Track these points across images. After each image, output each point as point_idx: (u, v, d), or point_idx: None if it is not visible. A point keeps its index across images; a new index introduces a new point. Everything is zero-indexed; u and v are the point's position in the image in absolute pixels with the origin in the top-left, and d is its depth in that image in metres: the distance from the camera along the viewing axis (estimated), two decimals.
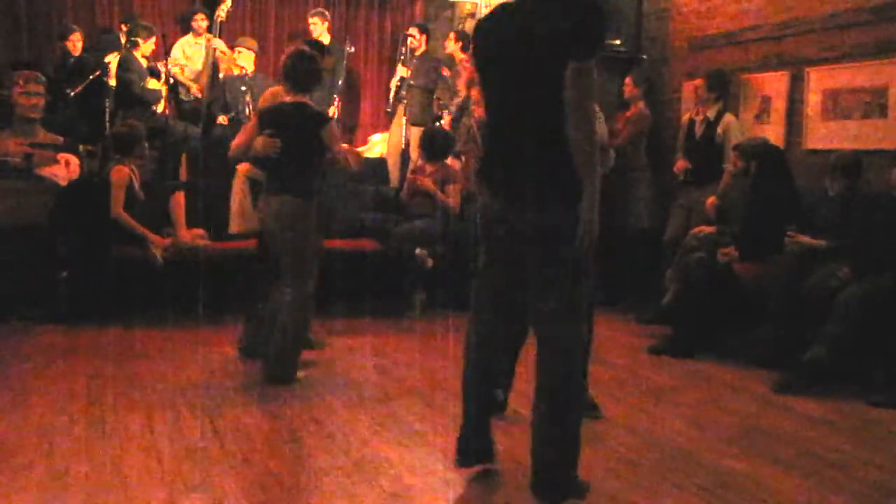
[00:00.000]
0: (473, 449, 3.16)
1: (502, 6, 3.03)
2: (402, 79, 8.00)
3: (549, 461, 2.89)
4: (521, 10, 2.83)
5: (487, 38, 2.98)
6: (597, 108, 4.11)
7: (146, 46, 7.33)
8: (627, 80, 6.59)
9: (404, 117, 7.89)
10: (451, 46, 8.06)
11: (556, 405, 2.85)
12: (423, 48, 8.11)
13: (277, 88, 4.82)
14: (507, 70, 2.83)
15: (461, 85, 8.09)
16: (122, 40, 7.57)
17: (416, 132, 7.55)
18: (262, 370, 4.43)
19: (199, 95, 7.74)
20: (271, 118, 4.38)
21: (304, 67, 4.33)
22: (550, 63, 2.68)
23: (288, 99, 4.40)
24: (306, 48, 4.50)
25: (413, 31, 8.21)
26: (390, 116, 8.24)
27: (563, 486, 2.91)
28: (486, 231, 3.00)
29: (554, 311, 2.82)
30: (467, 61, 8.04)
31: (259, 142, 4.35)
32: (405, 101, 7.89)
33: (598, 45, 2.73)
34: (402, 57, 8.13)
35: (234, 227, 5.23)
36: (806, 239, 4.94)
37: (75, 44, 7.29)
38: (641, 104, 6.59)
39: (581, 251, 2.72)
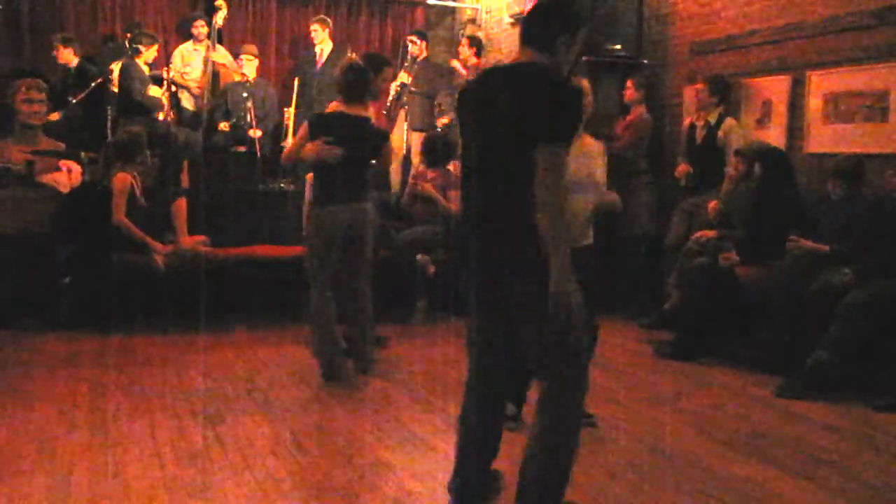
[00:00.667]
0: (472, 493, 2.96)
1: (492, 70, 3.04)
2: (402, 84, 8.01)
3: (535, 491, 2.76)
4: (507, 77, 2.76)
5: (470, 100, 2.93)
6: (598, 142, 4.03)
7: (149, 54, 7.36)
8: (629, 83, 6.60)
9: (405, 123, 7.91)
10: (465, 52, 8.10)
11: (553, 439, 2.74)
12: (423, 54, 8.15)
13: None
14: (483, 134, 2.79)
15: None
16: (126, 48, 7.59)
17: (416, 138, 7.57)
18: (322, 371, 4.57)
19: (200, 94, 7.76)
20: (327, 125, 4.49)
21: (356, 78, 4.50)
22: (524, 139, 2.60)
23: (344, 109, 4.53)
24: (358, 60, 4.70)
25: (413, 37, 8.25)
26: (390, 120, 8.26)
27: None
28: (466, 269, 2.92)
29: (548, 366, 2.71)
30: (479, 65, 8.08)
31: (311, 147, 4.44)
32: (406, 107, 7.91)
33: (571, 132, 2.65)
34: (405, 63, 8.17)
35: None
36: (809, 243, 4.93)
37: (62, 53, 7.27)
38: (642, 109, 6.59)
39: (557, 327, 2.57)
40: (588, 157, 3.73)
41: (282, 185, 7.08)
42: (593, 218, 3.74)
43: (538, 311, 2.59)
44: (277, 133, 8.10)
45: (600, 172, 3.87)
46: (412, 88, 7.92)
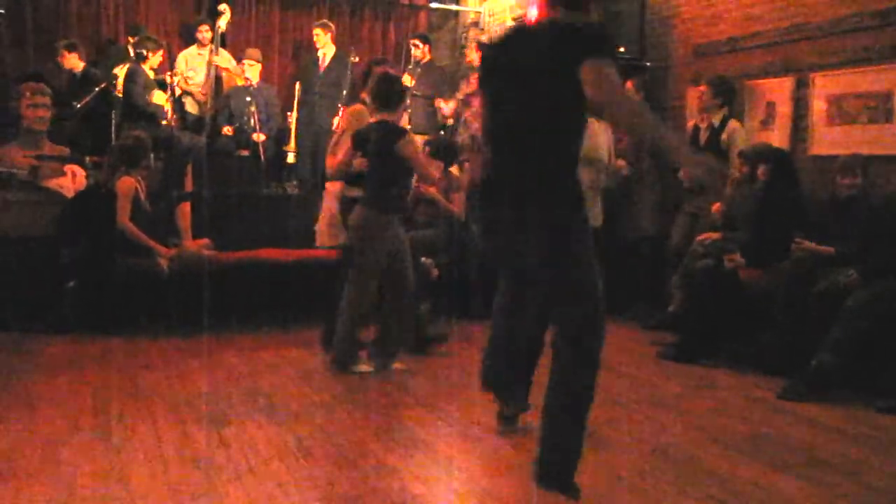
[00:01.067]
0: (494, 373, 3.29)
1: (510, 31, 3.06)
2: (405, 88, 8.03)
3: (555, 447, 2.90)
4: (539, 29, 2.87)
5: (493, 57, 2.99)
6: (601, 123, 4.20)
7: (154, 59, 7.39)
8: (629, 85, 6.59)
9: (408, 126, 7.91)
10: (473, 55, 8.13)
11: (571, 392, 2.90)
12: (427, 58, 8.16)
13: (358, 107, 5.34)
14: (510, 86, 2.84)
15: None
16: (130, 52, 7.61)
17: (419, 141, 7.58)
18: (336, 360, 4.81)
19: (204, 99, 7.79)
20: (360, 139, 4.76)
21: (387, 88, 4.78)
22: (557, 74, 2.68)
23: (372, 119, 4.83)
24: (390, 70, 5.12)
25: (416, 41, 8.27)
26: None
27: (563, 473, 2.91)
28: (489, 241, 3.02)
29: (567, 299, 2.89)
30: None
31: (361, 163, 4.80)
32: (409, 110, 7.92)
33: (610, 43, 2.72)
34: (408, 67, 8.19)
35: (322, 240, 5.52)
36: (813, 245, 4.92)
37: (67, 59, 7.29)
38: None
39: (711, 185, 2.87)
40: (593, 135, 3.90)
41: (286, 188, 7.10)
42: (601, 194, 3.90)
43: (570, 234, 2.80)
44: (280, 137, 8.12)
45: (604, 149, 4.18)
46: (415, 92, 7.93)
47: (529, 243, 2.86)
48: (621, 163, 4.17)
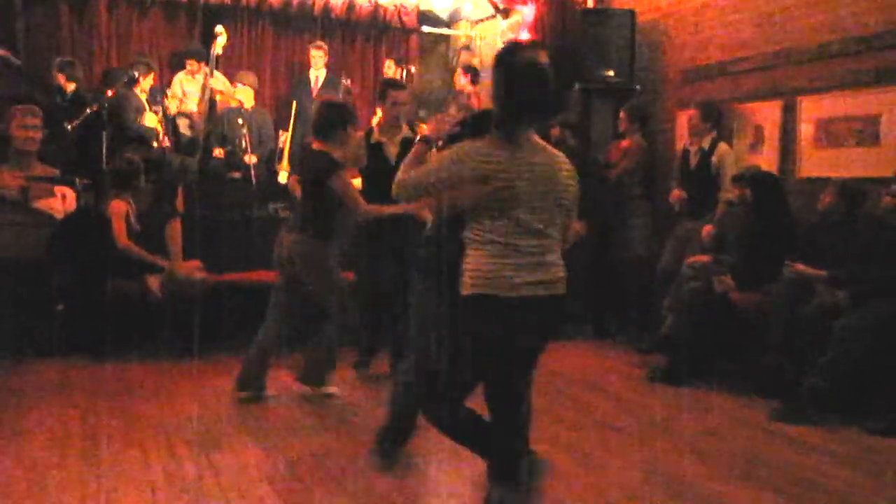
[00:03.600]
0: None
1: None
2: (345, 118, 8.15)
3: None
4: None
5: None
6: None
7: (145, 83, 7.40)
8: (622, 115, 6.64)
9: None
10: (461, 81, 8.22)
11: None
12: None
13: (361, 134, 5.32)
14: None
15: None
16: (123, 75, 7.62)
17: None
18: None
19: (198, 121, 7.80)
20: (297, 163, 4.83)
21: (327, 116, 4.67)
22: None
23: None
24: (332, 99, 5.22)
25: (390, 64, 8.45)
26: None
27: None
28: None
29: None
30: (476, 95, 8.22)
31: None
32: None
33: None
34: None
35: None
36: (803, 268, 4.93)
37: (60, 78, 7.29)
38: (637, 136, 6.63)
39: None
40: None
41: (277, 210, 7.08)
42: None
43: None
44: (272, 159, 8.13)
45: None
46: None
47: None
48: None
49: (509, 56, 2.81)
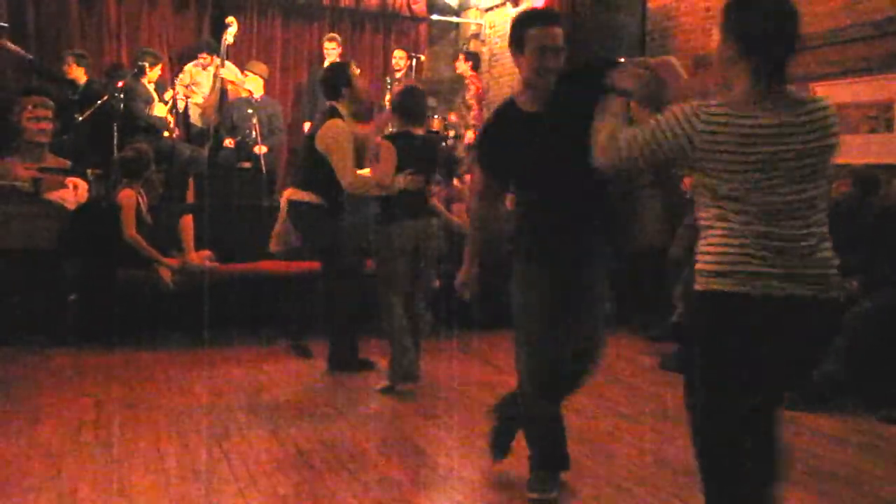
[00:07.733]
0: None
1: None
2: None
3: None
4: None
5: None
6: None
7: (153, 73, 7.42)
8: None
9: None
10: (462, 66, 8.22)
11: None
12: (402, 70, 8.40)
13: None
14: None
15: (471, 99, 8.29)
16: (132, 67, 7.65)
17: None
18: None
19: (209, 112, 7.83)
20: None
21: (416, 102, 4.78)
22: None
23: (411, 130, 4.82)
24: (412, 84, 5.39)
25: (400, 53, 8.45)
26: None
27: None
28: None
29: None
30: (476, 79, 8.24)
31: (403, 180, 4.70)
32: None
33: None
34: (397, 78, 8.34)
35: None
36: None
37: (73, 70, 7.31)
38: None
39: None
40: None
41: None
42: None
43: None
44: (282, 149, 8.16)
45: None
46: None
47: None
48: None
49: None
